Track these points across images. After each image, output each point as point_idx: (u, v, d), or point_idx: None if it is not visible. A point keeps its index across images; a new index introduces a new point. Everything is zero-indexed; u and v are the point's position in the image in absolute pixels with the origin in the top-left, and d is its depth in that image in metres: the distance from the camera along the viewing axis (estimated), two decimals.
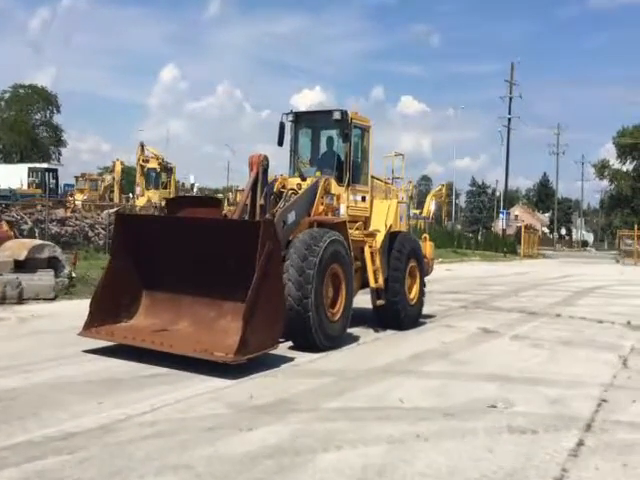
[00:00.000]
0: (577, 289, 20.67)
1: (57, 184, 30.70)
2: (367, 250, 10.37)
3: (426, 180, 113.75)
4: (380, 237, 10.74)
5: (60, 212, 21.80)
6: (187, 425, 5.28)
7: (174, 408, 5.73)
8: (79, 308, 12.02)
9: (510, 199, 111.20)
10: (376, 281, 10.35)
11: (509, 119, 58.84)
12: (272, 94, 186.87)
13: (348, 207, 10.32)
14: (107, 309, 8.21)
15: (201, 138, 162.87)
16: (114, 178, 33.69)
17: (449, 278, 22.36)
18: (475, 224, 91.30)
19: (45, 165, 34.03)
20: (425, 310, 12.11)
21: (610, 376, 8.01)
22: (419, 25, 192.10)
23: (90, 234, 21.94)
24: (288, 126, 10.81)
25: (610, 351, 9.72)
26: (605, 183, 78.90)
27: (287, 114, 10.77)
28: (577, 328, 11.95)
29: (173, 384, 6.56)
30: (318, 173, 10.36)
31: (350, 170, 10.42)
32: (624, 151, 71.02)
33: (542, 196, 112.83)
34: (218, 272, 7.74)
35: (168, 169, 31.52)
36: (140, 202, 29.36)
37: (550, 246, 74.54)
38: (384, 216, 11.09)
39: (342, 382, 7.02)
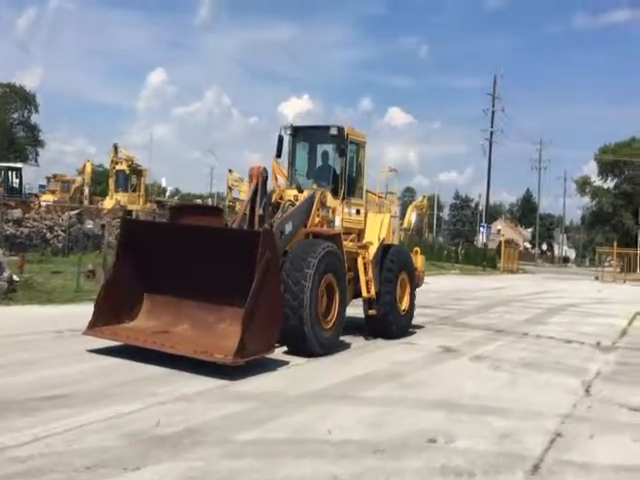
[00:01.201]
0: (551, 306, 20.10)
1: (21, 183, 29.73)
2: (360, 261, 10.68)
3: (410, 192, 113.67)
4: (373, 249, 11.04)
5: (17, 212, 20.89)
6: (64, 462, 4.49)
7: (61, 438, 4.94)
8: (13, 316, 11.22)
9: (493, 213, 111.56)
10: (368, 291, 10.67)
11: (491, 132, 58.53)
12: (260, 101, 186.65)
13: (343, 219, 10.70)
14: (110, 310, 8.50)
15: (188, 143, 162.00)
16: (84, 179, 32.79)
17: (423, 291, 21.42)
18: (458, 237, 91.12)
19: (7, 164, 33.01)
20: None
21: (570, 405, 7.33)
22: (408, 37, 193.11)
23: (48, 236, 21.09)
24: (286, 139, 11.15)
25: (574, 376, 9.06)
26: (587, 199, 78.90)
27: (286, 128, 11.12)
28: (543, 349, 11.30)
29: (74, 407, 5.78)
30: (314, 186, 10.71)
31: (345, 184, 10.78)
32: (605, 168, 70.93)
33: (525, 211, 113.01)
34: (218, 278, 7.97)
35: (138, 171, 30.65)
36: (108, 204, 28.48)
37: (531, 261, 74.34)
38: (377, 229, 11.43)
39: (269, 408, 6.27)
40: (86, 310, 12.18)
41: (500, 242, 57.12)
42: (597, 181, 73.94)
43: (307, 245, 9.29)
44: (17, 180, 29.69)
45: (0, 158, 62.81)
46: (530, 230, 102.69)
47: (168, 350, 7.57)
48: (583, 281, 40.95)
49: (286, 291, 8.55)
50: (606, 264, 49.00)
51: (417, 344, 10.85)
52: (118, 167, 30.35)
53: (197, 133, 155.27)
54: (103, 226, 24.33)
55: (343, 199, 10.74)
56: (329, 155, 11.22)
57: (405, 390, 7.46)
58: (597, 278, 43.82)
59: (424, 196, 27.21)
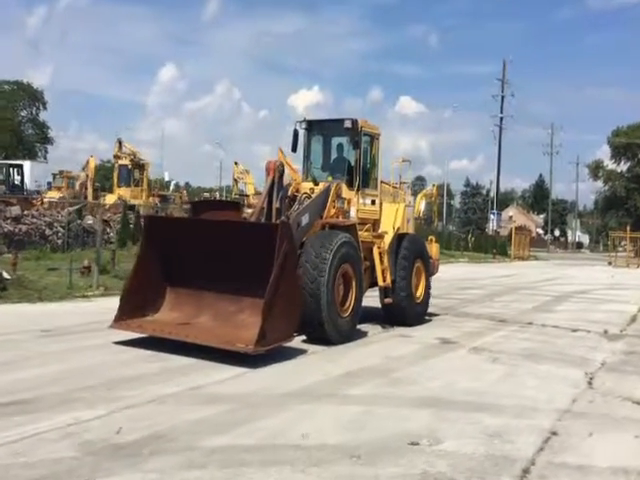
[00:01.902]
0: (559, 293, 19.59)
1: (22, 180, 29.57)
2: (376, 251, 10.87)
3: (420, 180, 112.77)
4: (388, 238, 11.26)
5: (15, 210, 20.65)
6: (9, 476, 4.16)
7: (11, 449, 4.61)
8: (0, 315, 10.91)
9: (505, 200, 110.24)
10: (384, 280, 10.86)
11: (500, 118, 57.91)
12: (270, 94, 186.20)
13: (358, 210, 10.92)
14: (135, 304, 8.79)
15: (198, 138, 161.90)
16: (87, 175, 32.54)
17: None
18: (469, 225, 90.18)
19: (9, 161, 32.87)
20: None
21: (570, 399, 6.91)
22: (418, 25, 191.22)
23: (48, 232, 20.84)
24: (301, 133, 11.36)
25: (577, 367, 8.63)
26: (600, 184, 77.77)
27: (301, 122, 11.33)
28: (547, 338, 10.86)
29: (35, 413, 5.45)
30: (330, 178, 10.94)
31: (360, 175, 11.01)
32: (618, 151, 69.77)
33: (538, 197, 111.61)
34: (238, 270, 8.29)
35: (140, 166, 30.32)
36: (110, 199, 28.21)
37: (544, 248, 73.45)
38: (392, 219, 11.65)
39: (247, 409, 5.90)
40: (75, 308, 12.05)
41: (511, 229, 56.38)
42: (610, 165, 72.90)
43: (324, 236, 9.52)
44: (19, 177, 29.54)
45: (9, 156, 63.17)
46: (543, 216, 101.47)
47: (192, 340, 7.85)
48: (596, 267, 40.27)
49: (304, 281, 8.78)
50: (620, 249, 48.26)
51: (413, 336, 10.43)
52: (120, 162, 30.06)
53: (208, 127, 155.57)
54: (105, 221, 24.13)
55: (358, 190, 10.94)
56: (343, 148, 11.45)
57: (393, 387, 7.06)
58: (610, 263, 43.13)
59: (434, 184, 26.90)
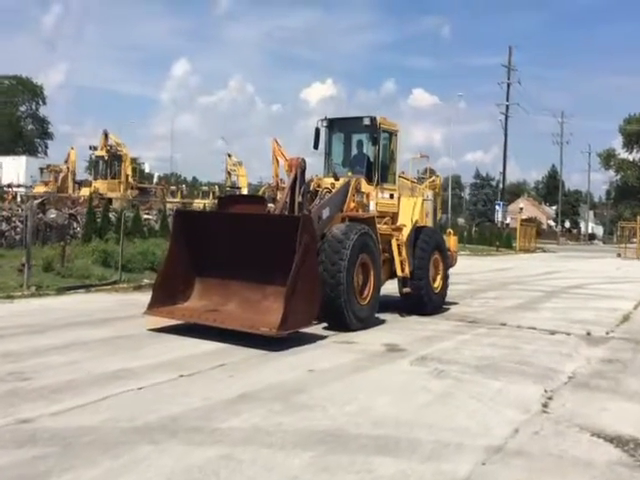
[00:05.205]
0: (552, 288, 17.98)
1: None
2: (394, 243, 11.32)
3: (432, 173, 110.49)
4: (406, 231, 11.61)
5: None
6: None
7: None
8: None
9: (517, 191, 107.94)
10: (403, 271, 11.30)
11: (507, 106, 55.91)
12: (283, 88, 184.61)
13: (377, 204, 11.30)
14: (166, 293, 9.33)
15: (211, 132, 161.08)
16: (68, 168, 31.35)
17: None
18: (479, 217, 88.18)
19: None
20: None
21: (511, 430, 5.40)
22: (431, 17, 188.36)
23: (4, 227, 19.53)
24: (323, 131, 11.69)
25: (538, 382, 7.10)
26: (612, 173, 75.34)
27: (322, 120, 11.68)
28: (515, 343, 9.33)
29: None
30: (350, 173, 11.31)
31: (379, 170, 11.40)
32: (630, 139, 67.44)
33: (551, 188, 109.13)
34: (262, 261, 8.81)
35: (118, 157, 28.95)
36: (84, 192, 26.89)
37: (555, 240, 71.43)
38: (410, 212, 11.93)
39: (53, 457, 4.35)
40: None
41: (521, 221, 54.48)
42: (622, 153, 70.56)
43: (343, 228, 9.85)
44: None
45: (7, 151, 62.27)
46: (555, 208, 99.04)
47: (219, 325, 8.44)
48: (605, 259, 38.54)
49: (325, 270, 9.20)
50: (634, 240, 46.31)
51: (357, 342, 8.89)
52: (97, 153, 28.73)
53: (220, 122, 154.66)
54: (72, 215, 22.82)
55: (377, 185, 11.32)
56: (363, 144, 11.83)
57: (288, 415, 5.57)
58: (619, 255, 41.32)
59: (437, 175, 25.43)
